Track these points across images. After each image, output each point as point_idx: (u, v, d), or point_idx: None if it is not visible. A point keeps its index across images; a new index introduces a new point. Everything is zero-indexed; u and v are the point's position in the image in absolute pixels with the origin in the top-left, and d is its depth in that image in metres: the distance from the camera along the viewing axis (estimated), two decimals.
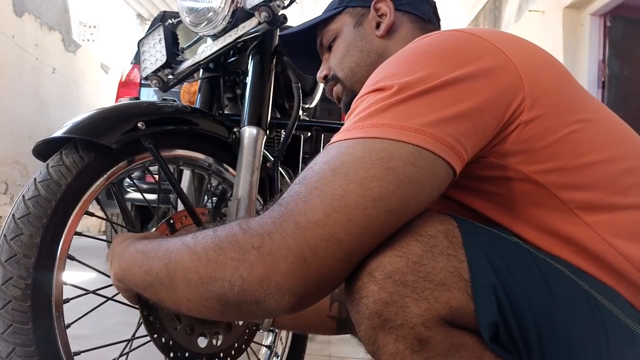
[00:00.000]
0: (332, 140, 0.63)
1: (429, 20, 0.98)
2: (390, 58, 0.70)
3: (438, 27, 1.00)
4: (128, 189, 3.07)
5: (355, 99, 0.68)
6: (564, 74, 0.70)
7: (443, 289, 0.56)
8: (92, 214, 0.97)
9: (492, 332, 0.57)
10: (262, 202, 1.15)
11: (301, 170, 1.69)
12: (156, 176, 1.16)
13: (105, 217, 1.13)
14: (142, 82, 3.57)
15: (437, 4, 1.03)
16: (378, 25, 0.95)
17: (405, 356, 0.56)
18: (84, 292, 0.93)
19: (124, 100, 3.46)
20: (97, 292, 0.94)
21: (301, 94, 1.22)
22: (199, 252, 0.61)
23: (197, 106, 1.20)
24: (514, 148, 0.64)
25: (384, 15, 0.95)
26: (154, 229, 0.96)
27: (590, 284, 0.61)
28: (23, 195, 0.85)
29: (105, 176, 0.91)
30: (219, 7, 1.11)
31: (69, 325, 0.86)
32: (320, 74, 1.02)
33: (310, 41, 1.04)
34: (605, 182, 0.64)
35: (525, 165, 0.64)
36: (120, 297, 0.97)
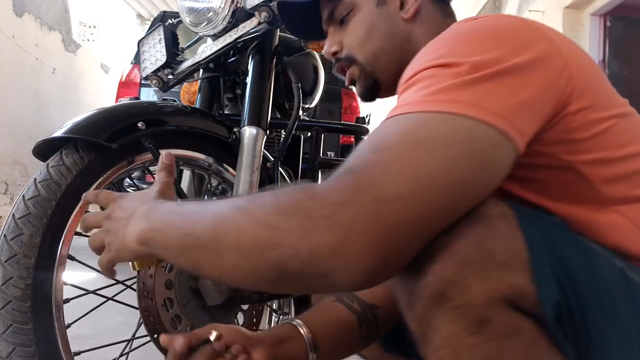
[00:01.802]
0: (399, 111, 0.60)
1: (449, 3, 0.92)
2: (442, 36, 0.68)
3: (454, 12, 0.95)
4: (128, 189, 3.07)
5: (410, 72, 0.65)
6: (598, 68, 0.71)
7: (506, 270, 0.55)
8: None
9: (555, 312, 0.56)
10: None
11: (300, 173, 1.66)
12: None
13: None
14: (142, 82, 3.57)
15: None
16: (402, 6, 0.87)
17: (461, 337, 0.54)
18: (84, 292, 0.93)
19: (124, 100, 3.46)
20: (97, 292, 0.94)
21: (301, 94, 1.23)
22: (257, 215, 0.55)
23: (197, 106, 1.20)
24: (559, 137, 0.64)
25: None
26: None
27: (624, 265, 0.62)
28: (23, 195, 0.85)
29: (105, 176, 0.91)
30: (219, 7, 1.12)
31: (69, 325, 0.87)
32: (329, 49, 0.92)
33: (313, 6, 0.93)
34: None
35: (570, 154, 0.64)
36: (120, 297, 0.97)
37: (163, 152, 0.80)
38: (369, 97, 0.92)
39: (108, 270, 0.71)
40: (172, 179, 0.76)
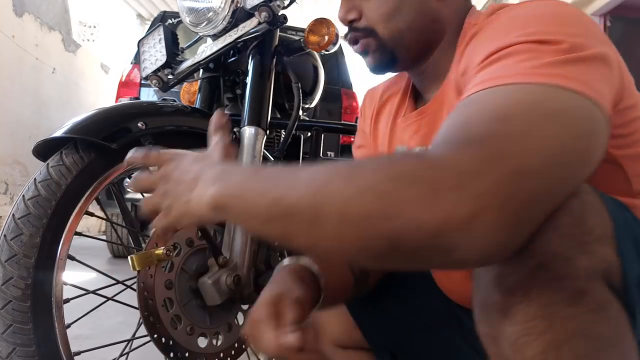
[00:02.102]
0: (504, 81, 0.57)
1: None
2: (523, 14, 0.67)
3: None
4: (128, 189, 3.07)
5: (496, 44, 0.63)
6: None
7: (601, 244, 0.55)
8: (92, 214, 0.97)
9: (637, 286, 0.56)
10: None
11: None
12: None
13: (105, 217, 1.13)
14: (142, 82, 3.57)
15: None
16: None
17: (558, 308, 0.53)
18: (84, 292, 0.93)
19: (124, 100, 3.46)
20: (97, 292, 0.94)
21: (301, 94, 1.23)
22: (366, 182, 0.50)
23: (197, 106, 1.20)
24: (612, 131, 0.64)
25: None
26: (154, 229, 0.96)
27: None
28: (23, 195, 0.85)
29: (105, 176, 0.91)
30: (219, 7, 1.12)
31: (69, 325, 0.87)
32: (346, 15, 0.85)
33: None
34: None
35: (615, 148, 0.66)
36: (120, 297, 0.97)
37: (216, 112, 0.75)
38: (380, 71, 0.87)
39: (164, 234, 0.69)
40: (229, 138, 0.72)
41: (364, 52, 0.86)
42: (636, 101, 0.67)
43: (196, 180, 0.62)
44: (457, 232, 0.48)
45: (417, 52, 0.83)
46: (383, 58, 0.85)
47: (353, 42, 0.86)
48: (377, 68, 0.86)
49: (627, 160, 0.67)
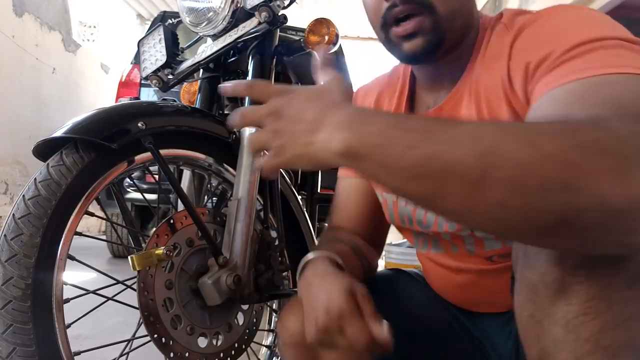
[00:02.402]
0: (629, 70, 0.57)
1: None
2: (581, 17, 0.69)
3: None
4: (128, 189, 3.07)
5: (574, 39, 0.64)
6: None
7: None
8: (92, 214, 0.97)
9: None
10: (262, 202, 1.15)
11: (300, 173, 1.65)
12: (156, 176, 1.16)
13: (105, 217, 1.13)
14: (142, 82, 3.57)
15: None
16: None
17: (618, 290, 0.52)
18: (84, 292, 0.93)
19: (124, 100, 3.46)
20: (97, 292, 0.94)
21: None
22: (549, 150, 0.45)
23: (197, 106, 1.20)
24: None
25: None
26: (154, 229, 0.96)
27: None
28: (23, 195, 0.85)
29: (105, 176, 0.91)
30: (219, 7, 1.12)
31: (69, 325, 0.87)
32: None
33: None
34: None
35: None
36: (120, 297, 0.97)
37: (321, 50, 0.70)
38: (425, 55, 0.80)
39: (271, 172, 0.62)
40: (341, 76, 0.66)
41: (412, 34, 0.78)
42: None
43: (320, 122, 0.56)
44: None
45: (456, 40, 0.81)
46: (434, 41, 0.78)
47: (402, 18, 0.78)
48: (424, 51, 0.79)
49: None
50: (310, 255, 0.80)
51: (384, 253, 4.06)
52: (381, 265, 4.66)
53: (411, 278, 1.04)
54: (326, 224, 1.05)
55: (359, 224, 0.99)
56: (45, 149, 0.91)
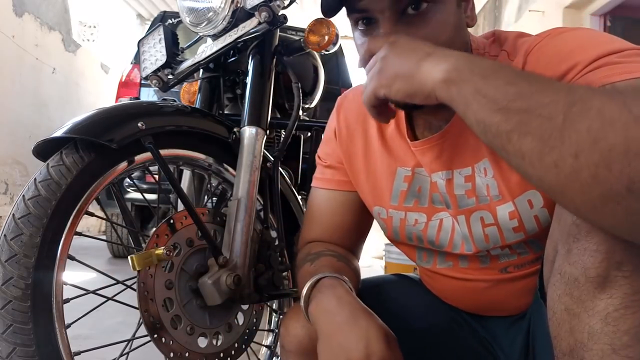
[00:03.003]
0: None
1: None
2: (590, 34, 0.71)
3: None
4: (128, 189, 3.07)
5: (597, 52, 0.65)
6: None
7: None
8: (92, 214, 0.97)
9: None
10: (262, 202, 1.15)
11: (300, 173, 1.65)
12: (156, 176, 1.16)
13: (105, 217, 1.13)
14: (142, 82, 3.57)
15: None
16: (465, 10, 0.79)
17: None
18: (84, 292, 0.93)
19: (124, 100, 3.46)
20: (97, 292, 0.94)
21: (301, 94, 1.23)
22: (635, 113, 0.45)
23: (197, 106, 1.20)
24: None
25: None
26: (154, 229, 0.96)
27: None
28: (23, 195, 0.85)
29: (105, 176, 0.91)
30: (219, 7, 1.12)
31: (69, 325, 0.86)
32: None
33: None
34: None
35: None
36: (120, 297, 0.97)
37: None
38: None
39: (371, 97, 0.66)
40: None
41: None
42: None
43: (427, 55, 0.60)
44: None
45: None
46: None
47: None
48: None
49: None
50: (318, 276, 0.80)
51: (383, 253, 4.06)
52: (381, 264, 4.64)
53: (414, 282, 1.04)
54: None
55: (339, 235, 0.97)
56: (45, 149, 0.91)
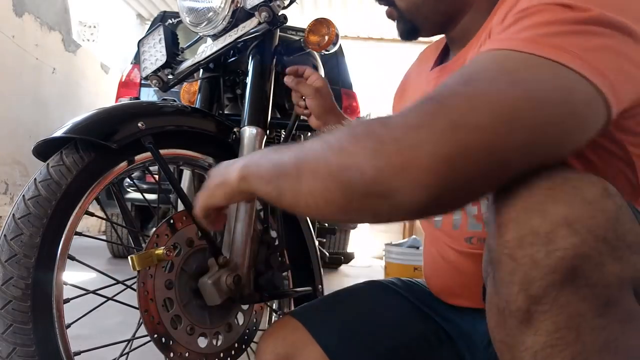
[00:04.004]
0: (502, 45, 0.58)
1: None
2: None
3: None
4: (128, 189, 3.07)
5: (527, 2, 0.61)
6: None
7: (632, 252, 0.53)
8: (92, 214, 0.97)
9: None
10: (262, 202, 1.15)
11: None
12: (156, 176, 1.16)
13: (105, 217, 1.13)
14: (142, 82, 3.57)
15: None
16: None
17: (588, 319, 0.51)
18: (84, 292, 0.93)
19: (124, 100, 3.46)
20: (97, 292, 0.94)
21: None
22: (332, 142, 0.58)
23: (197, 106, 1.20)
24: (633, 128, 0.63)
25: None
26: (154, 229, 0.96)
27: None
28: (23, 195, 0.85)
29: (105, 176, 0.91)
30: (219, 7, 1.12)
31: (69, 325, 0.87)
32: None
33: None
34: None
35: (634, 147, 0.64)
36: (120, 297, 0.97)
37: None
38: (406, 39, 0.94)
39: (201, 211, 0.81)
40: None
41: (390, 18, 0.92)
42: None
43: (230, 165, 0.75)
44: (390, 177, 0.52)
45: (438, 21, 0.87)
46: (405, 27, 0.91)
47: (385, 5, 0.91)
48: (402, 35, 0.92)
49: None
50: None
51: (383, 253, 4.06)
52: (381, 264, 4.64)
53: (387, 288, 1.04)
54: (326, 224, 1.08)
55: None
56: (45, 149, 0.91)
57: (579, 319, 0.51)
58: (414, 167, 0.51)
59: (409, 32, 0.91)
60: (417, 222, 4.35)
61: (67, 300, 0.87)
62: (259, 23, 1.08)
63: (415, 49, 1.03)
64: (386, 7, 0.91)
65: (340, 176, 0.55)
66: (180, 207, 1.05)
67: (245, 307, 1.08)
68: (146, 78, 1.17)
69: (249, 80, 1.14)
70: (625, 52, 0.57)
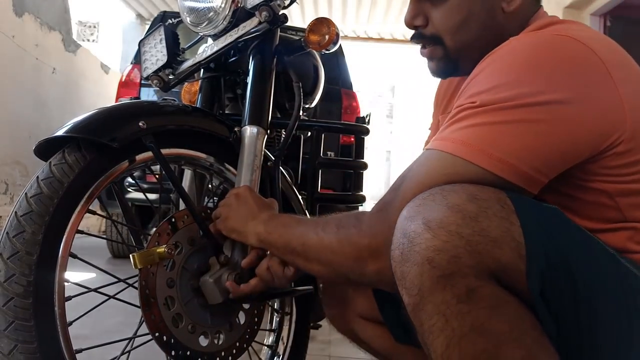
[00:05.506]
0: (431, 145, 0.72)
1: None
2: (495, 62, 0.73)
3: None
4: (129, 189, 3.07)
5: (463, 97, 0.73)
6: None
7: (495, 245, 0.59)
8: (94, 212, 0.97)
9: (540, 288, 0.60)
10: None
11: (300, 173, 1.71)
12: (157, 175, 1.16)
13: (107, 215, 1.13)
14: (142, 82, 3.57)
15: None
16: None
17: (451, 305, 0.58)
18: (86, 290, 0.93)
19: (124, 100, 3.46)
20: (98, 290, 0.95)
21: (302, 94, 1.23)
22: (326, 243, 0.80)
23: (198, 106, 1.20)
24: (601, 171, 0.69)
25: None
26: (154, 229, 0.97)
27: (616, 252, 0.68)
28: (26, 193, 0.85)
29: (106, 175, 0.92)
30: (220, 7, 1.12)
31: (70, 323, 0.87)
32: (413, 20, 0.87)
33: None
34: None
35: (608, 184, 0.70)
36: (121, 296, 0.97)
37: None
38: (442, 76, 0.96)
39: (218, 234, 1.00)
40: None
41: (429, 58, 0.91)
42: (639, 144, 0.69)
43: (253, 218, 0.94)
44: (372, 278, 0.77)
45: (477, 60, 0.82)
46: (447, 67, 0.90)
47: (420, 44, 0.91)
48: (439, 74, 0.93)
49: (620, 195, 0.71)
50: None
51: None
52: None
53: None
54: None
55: None
56: (46, 149, 0.91)
57: (443, 306, 0.59)
58: (388, 269, 0.67)
59: (449, 72, 0.91)
60: None
61: (69, 298, 0.87)
62: (260, 23, 1.09)
63: (415, 48, 1.00)
64: (422, 47, 0.90)
65: (338, 270, 0.80)
66: (182, 206, 1.06)
67: (246, 306, 1.08)
68: (147, 78, 1.17)
69: (249, 79, 1.15)
70: (532, 131, 0.66)
